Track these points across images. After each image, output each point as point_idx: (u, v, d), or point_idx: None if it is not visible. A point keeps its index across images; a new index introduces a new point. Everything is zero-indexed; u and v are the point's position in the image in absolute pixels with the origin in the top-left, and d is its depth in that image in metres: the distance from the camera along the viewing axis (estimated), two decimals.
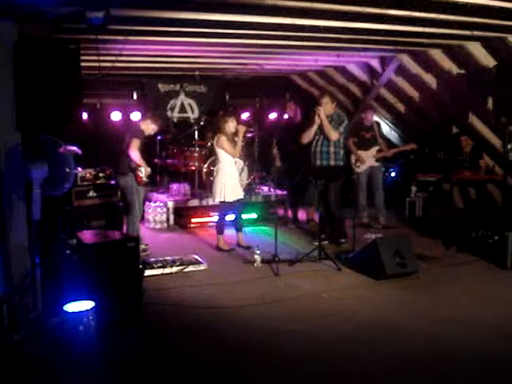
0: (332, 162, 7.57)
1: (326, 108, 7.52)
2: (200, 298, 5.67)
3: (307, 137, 7.63)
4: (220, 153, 7.45)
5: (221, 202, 7.53)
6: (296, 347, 4.54)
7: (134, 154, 7.09)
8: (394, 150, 9.86)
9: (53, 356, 4.14)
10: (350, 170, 8.90)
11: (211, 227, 9.19)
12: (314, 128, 7.55)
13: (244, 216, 8.37)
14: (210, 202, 9.55)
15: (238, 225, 7.80)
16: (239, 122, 7.44)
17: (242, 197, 7.61)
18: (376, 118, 10.37)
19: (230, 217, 7.86)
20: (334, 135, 7.49)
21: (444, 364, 4.20)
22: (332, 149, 7.58)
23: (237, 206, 7.65)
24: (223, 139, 7.37)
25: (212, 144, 10.00)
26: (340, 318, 5.18)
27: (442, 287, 6.04)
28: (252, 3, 5.49)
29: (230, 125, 7.35)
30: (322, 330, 4.89)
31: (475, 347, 4.49)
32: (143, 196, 7.67)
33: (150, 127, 7.44)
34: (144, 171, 7.19)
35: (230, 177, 7.41)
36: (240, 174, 8.18)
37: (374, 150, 9.11)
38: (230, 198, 7.41)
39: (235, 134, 7.32)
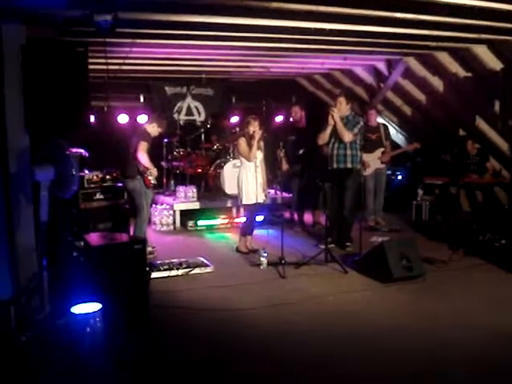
0: (349, 165, 7.47)
1: (340, 108, 7.47)
2: (206, 301, 5.67)
3: (322, 139, 7.53)
4: (240, 156, 7.52)
5: (244, 204, 7.55)
6: (302, 349, 4.53)
7: (143, 156, 7.12)
8: (398, 150, 9.86)
9: (59, 357, 4.14)
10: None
11: (217, 229, 9.25)
12: (328, 130, 7.45)
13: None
14: (216, 204, 9.62)
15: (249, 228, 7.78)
16: (261, 127, 7.39)
17: (260, 200, 7.50)
18: (382, 121, 10.38)
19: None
20: (346, 136, 7.37)
21: (449, 367, 4.19)
22: (349, 151, 7.47)
23: (258, 209, 7.66)
24: (241, 142, 7.40)
25: (218, 147, 10.12)
26: (346, 321, 5.17)
27: (448, 291, 6.02)
28: (258, 6, 5.51)
29: (250, 128, 7.31)
30: (328, 333, 4.88)
31: (480, 351, 4.46)
32: (151, 199, 7.70)
33: (155, 129, 7.46)
34: (152, 174, 7.23)
35: (246, 180, 7.38)
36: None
37: (378, 152, 9.11)
38: (246, 201, 7.42)
39: (251, 137, 7.31)
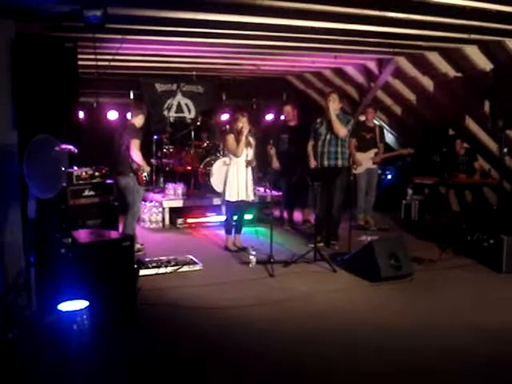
0: (339, 162, 7.53)
1: (333, 104, 7.50)
2: (194, 299, 5.65)
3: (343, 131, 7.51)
4: (228, 152, 7.51)
5: (226, 201, 7.52)
6: (290, 347, 4.53)
7: (137, 155, 7.11)
8: (392, 153, 9.89)
9: (46, 355, 4.12)
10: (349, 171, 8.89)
11: (206, 227, 9.23)
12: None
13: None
14: (206, 202, 9.60)
15: (237, 226, 7.76)
16: (249, 123, 7.38)
17: (245, 198, 7.48)
18: (376, 122, 10.39)
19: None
20: (342, 131, 7.44)
21: (436, 365, 4.20)
22: (339, 149, 7.54)
23: (240, 207, 7.63)
24: (228, 138, 7.40)
25: (207, 144, 10.10)
26: (334, 320, 5.17)
27: (436, 290, 6.04)
28: (249, 4, 5.49)
29: (239, 124, 7.31)
30: (316, 331, 4.88)
31: (468, 349, 4.49)
32: (142, 196, 7.68)
33: (142, 119, 7.48)
34: (145, 171, 7.22)
35: (233, 177, 7.37)
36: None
37: (372, 153, 9.13)
38: (231, 198, 7.40)
39: (240, 133, 7.29)
